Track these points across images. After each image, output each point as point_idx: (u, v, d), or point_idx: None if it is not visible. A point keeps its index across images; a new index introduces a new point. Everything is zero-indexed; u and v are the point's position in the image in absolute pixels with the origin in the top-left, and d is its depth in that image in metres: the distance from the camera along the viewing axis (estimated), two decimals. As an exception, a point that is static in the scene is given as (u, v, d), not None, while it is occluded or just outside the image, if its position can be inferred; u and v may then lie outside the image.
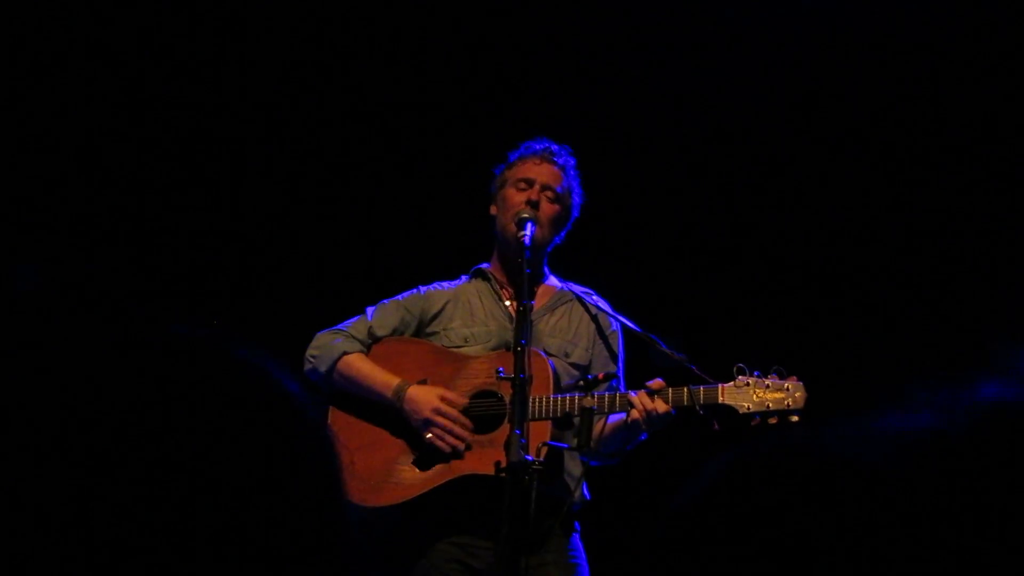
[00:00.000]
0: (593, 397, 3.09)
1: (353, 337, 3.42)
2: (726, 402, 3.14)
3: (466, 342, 3.43)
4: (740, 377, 3.15)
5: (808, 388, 3.15)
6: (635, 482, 3.93)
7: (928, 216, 4.54)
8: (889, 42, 4.47)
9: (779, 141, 4.72)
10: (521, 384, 2.98)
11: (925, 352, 4.06)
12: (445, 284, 3.60)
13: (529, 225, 3.35)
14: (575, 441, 3.08)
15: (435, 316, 3.50)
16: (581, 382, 3.17)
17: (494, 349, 3.39)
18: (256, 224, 4.86)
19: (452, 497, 3.23)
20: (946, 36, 4.42)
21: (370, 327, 3.45)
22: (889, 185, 4.61)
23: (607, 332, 3.50)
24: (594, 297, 3.55)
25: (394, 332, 3.47)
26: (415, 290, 3.56)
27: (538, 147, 3.55)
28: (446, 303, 3.51)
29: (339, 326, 3.46)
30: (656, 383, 3.16)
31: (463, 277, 3.62)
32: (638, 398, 3.14)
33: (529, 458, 2.89)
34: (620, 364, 3.48)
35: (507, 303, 3.49)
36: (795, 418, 3.13)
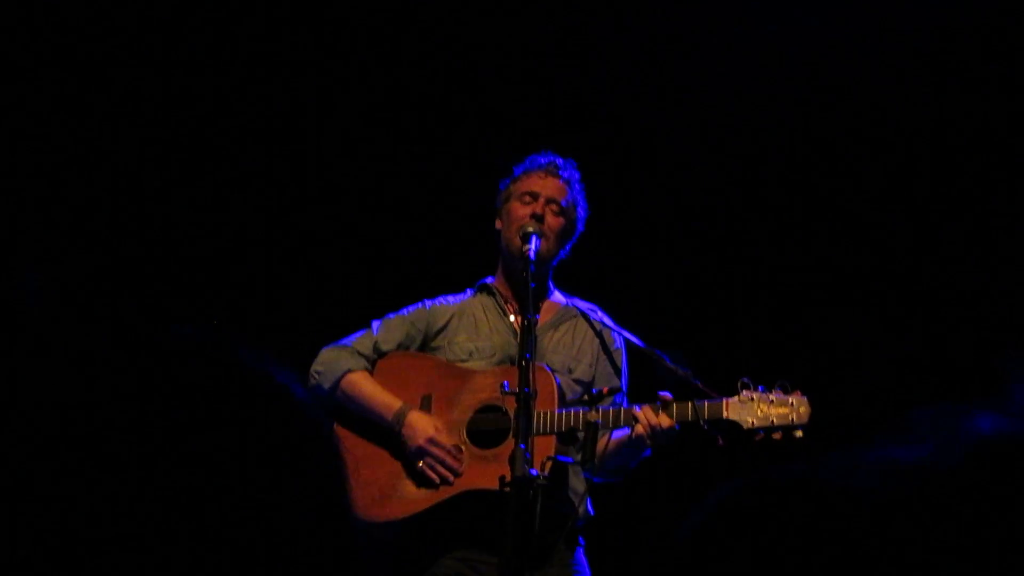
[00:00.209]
0: (597, 412, 3.09)
1: (358, 353, 3.42)
2: (730, 417, 3.13)
3: (471, 356, 3.44)
4: (744, 392, 3.14)
5: (812, 403, 3.14)
6: (639, 498, 3.93)
7: (933, 236, 4.54)
8: (928, 66, 4.47)
9: (784, 158, 4.72)
10: (526, 399, 2.98)
11: (925, 379, 4.07)
12: (450, 298, 3.60)
13: (534, 239, 3.36)
14: (579, 456, 3.09)
15: (440, 330, 3.50)
16: (585, 397, 3.17)
17: (498, 363, 3.39)
18: (263, 237, 4.87)
19: (456, 512, 3.24)
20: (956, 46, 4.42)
21: (375, 342, 3.45)
22: (896, 203, 4.61)
23: (611, 348, 3.50)
24: (599, 313, 3.55)
25: (399, 347, 3.47)
26: (420, 304, 3.57)
27: (543, 161, 3.55)
28: (451, 317, 3.52)
29: (344, 341, 3.46)
30: (665, 396, 3.16)
31: (468, 291, 3.62)
32: (642, 413, 3.15)
33: (534, 473, 2.89)
34: (624, 379, 3.48)
35: (512, 317, 3.49)
36: (799, 433, 3.13)
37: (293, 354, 3.43)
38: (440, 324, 3.51)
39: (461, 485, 3.24)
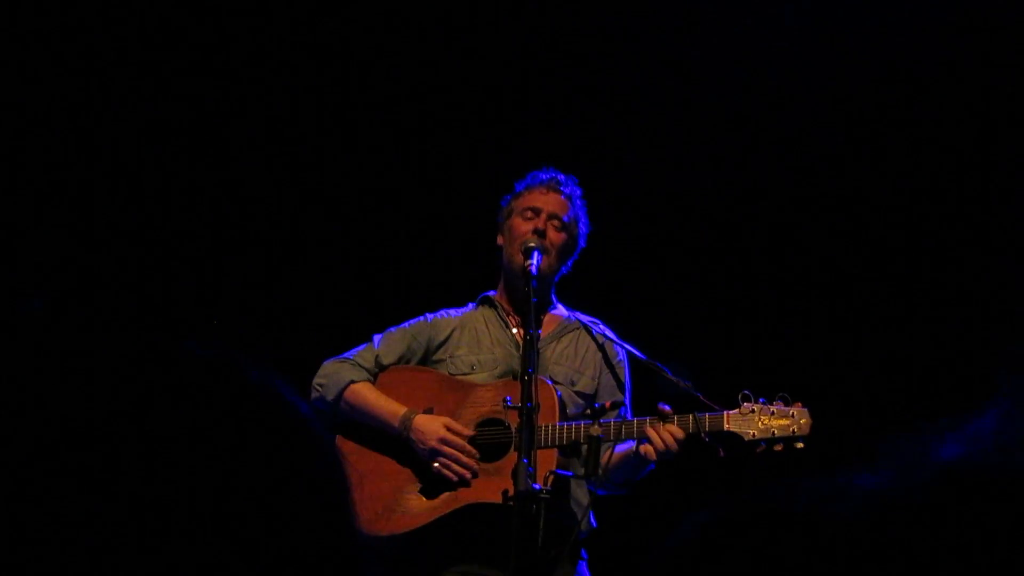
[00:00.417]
0: (600, 425, 3.10)
1: (360, 365, 3.44)
2: (731, 429, 3.14)
3: (472, 369, 3.45)
4: (745, 404, 3.16)
5: (813, 415, 3.16)
6: (641, 510, 3.94)
7: (922, 254, 4.57)
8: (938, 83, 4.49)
9: (785, 174, 4.74)
10: (528, 413, 3.00)
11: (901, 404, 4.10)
12: (452, 312, 3.61)
13: (536, 254, 3.37)
14: (582, 470, 3.10)
15: (441, 344, 3.52)
16: (588, 410, 3.19)
17: (500, 376, 3.41)
18: (265, 251, 4.90)
19: (460, 526, 3.24)
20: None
21: (377, 355, 3.47)
22: (891, 217, 4.64)
23: (614, 361, 3.51)
24: (600, 326, 3.56)
25: (400, 360, 3.49)
26: (422, 318, 3.58)
27: (544, 177, 3.57)
28: (452, 331, 3.53)
29: (346, 354, 3.48)
30: (663, 409, 3.17)
31: (470, 305, 3.64)
32: (648, 428, 3.16)
33: (537, 487, 2.91)
34: (627, 393, 3.49)
35: (514, 330, 3.51)
36: (800, 445, 3.14)
37: (295, 367, 3.45)
38: (442, 337, 3.52)
39: (464, 499, 3.25)
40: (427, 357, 3.51)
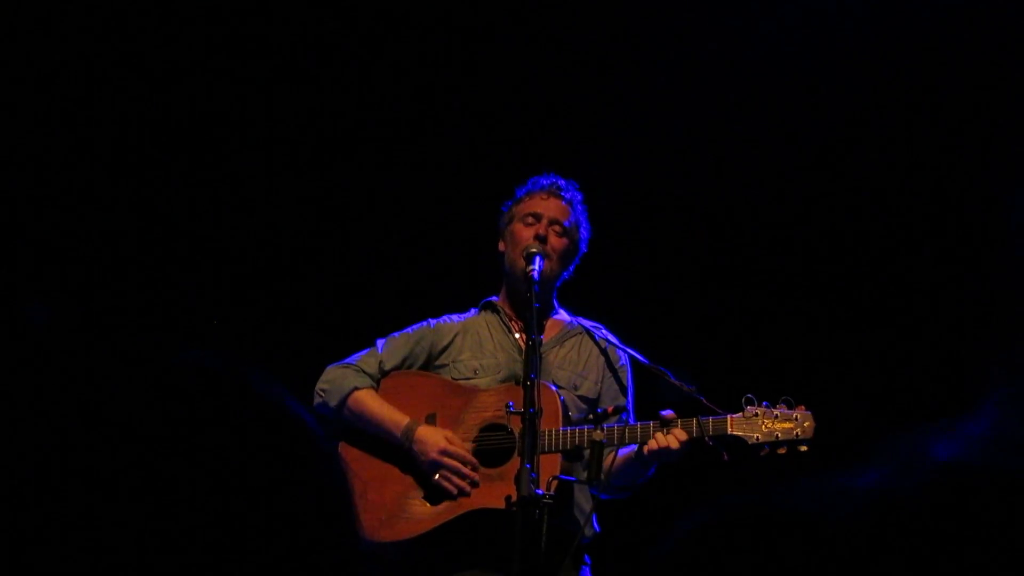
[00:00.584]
0: (603, 430, 3.10)
1: (363, 371, 3.45)
2: (735, 433, 3.14)
3: (475, 374, 3.45)
4: (749, 408, 3.15)
5: (817, 418, 3.15)
6: (644, 514, 3.94)
7: (914, 260, 4.58)
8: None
9: (787, 179, 4.74)
10: (531, 419, 3.00)
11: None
12: (455, 317, 3.62)
13: (537, 259, 3.38)
14: (585, 474, 3.10)
15: (444, 349, 3.52)
16: (591, 415, 3.18)
17: (503, 381, 3.41)
18: (268, 256, 4.90)
19: (463, 531, 3.25)
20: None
21: (380, 360, 3.47)
22: (891, 221, 4.65)
23: (616, 365, 3.51)
24: (603, 331, 3.57)
25: (403, 365, 3.49)
26: (425, 323, 3.59)
27: (545, 182, 3.58)
28: (455, 335, 3.54)
29: (349, 359, 3.49)
30: (669, 414, 3.17)
31: (472, 310, 3.64)
32: (652, 432, 3.15)
33: (539, 492, 2.91)
34: (630, 397, 3.49)
35: (517, 335, 3.51)
36: (804, 448, 3.13)
37: (298, 372, 3.46)
38: (445, 342, 3.53)
39: (467, 505, 3.25)
40: (430, 362, 3.52)
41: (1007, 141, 4.39)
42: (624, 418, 3.35)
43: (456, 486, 3.25)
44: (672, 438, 3.13)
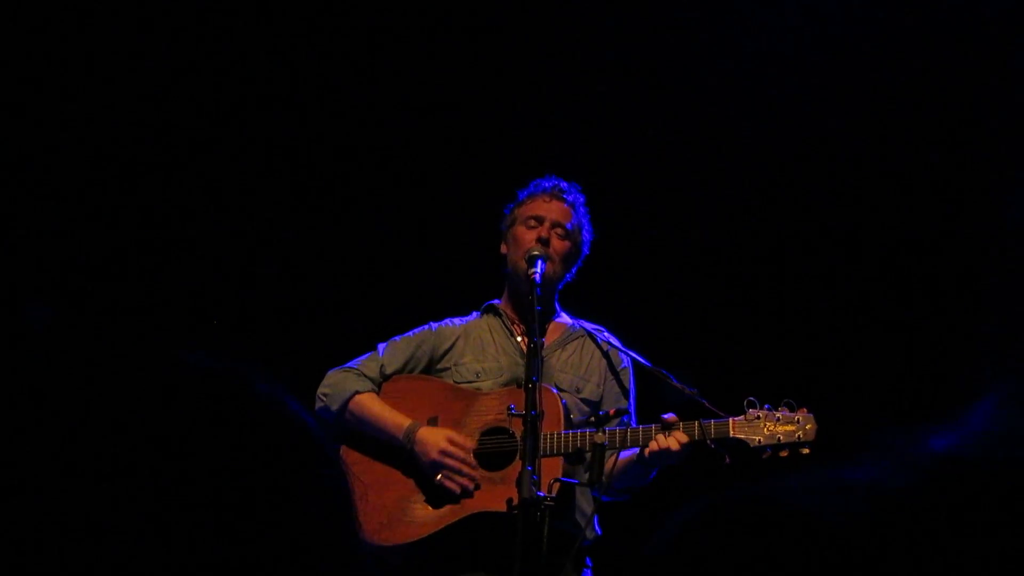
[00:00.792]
0: (604, 433, 3.10)
1: (364, 375, 3.45)
2: (737, 436, 3.14)
3: (477, 377, 3.45)
4: (751, 410, 3.15)
5: (819, 420, 3.15)
6: (646, 517, 3.93)
7: (912, 259, 4.58)
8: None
9: (783, 181, 4.74)
10: (533, 421, 3.00)
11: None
12: (456, 320, 3.62)
13: (540, 262, 3.37)
14: (587, 477, 3.10)
15: (446, 352, 3.52)
16: (592, 418, 3.19)
17: (505, 385, 3.41)
18: (269, 260, 4.91)
19: (464, 534, 3.24)
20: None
21: (381, 364, 3.47)
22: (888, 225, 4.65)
23: (618, 368, 3.51)
24: (605, 334, 3.56)
25: (405, 369, 3.49)
26: (426, 326, 3.59)
27: (547, 185, 3.58)
28: (457, 339, 3.54)
29: (350, 364, 3.49)
30: (671, 417, 3.17)
31: (474, 313, 3.64)
32: (653, 434, 3.15)
33: (541, 494, 2.91)
34: (632, 400, 3.49)
35: (519, 338, 3.51)
36: (806, 450, 3.13)
37: (300, 376, 3.45)
38: (446, 346, 3.53)
39: (469, 508, 3.25)
40: (432, 366, 3.52)
41: (1006, 141, 4.39)
42: (626, 421, 3.35)
43: (459, 484, 3.25)
44: (673, 440, 3.12)
